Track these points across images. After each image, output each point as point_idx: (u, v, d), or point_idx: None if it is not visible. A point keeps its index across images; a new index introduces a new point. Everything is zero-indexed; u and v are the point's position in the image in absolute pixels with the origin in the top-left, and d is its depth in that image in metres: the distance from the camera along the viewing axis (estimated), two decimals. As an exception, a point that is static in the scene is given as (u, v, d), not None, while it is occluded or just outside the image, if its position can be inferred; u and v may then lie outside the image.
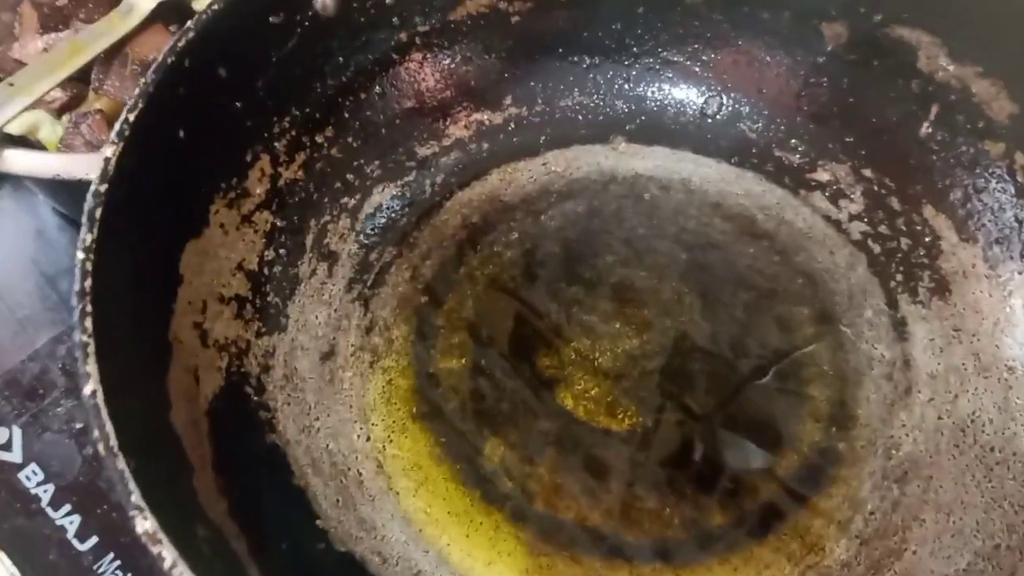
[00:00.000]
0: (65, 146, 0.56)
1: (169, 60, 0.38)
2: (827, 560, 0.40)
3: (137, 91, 0.37)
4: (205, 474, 0.36)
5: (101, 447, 0.29)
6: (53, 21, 0.56)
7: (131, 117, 0.37)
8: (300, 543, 0.38)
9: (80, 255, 0.33)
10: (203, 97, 0.41)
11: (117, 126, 0.37)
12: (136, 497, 0.28)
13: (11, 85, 0.50)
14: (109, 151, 0.36)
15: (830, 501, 0.41)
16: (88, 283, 0.32)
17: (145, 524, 0.27)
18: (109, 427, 0.29)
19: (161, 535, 0.27)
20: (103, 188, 0.35)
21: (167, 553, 0.27)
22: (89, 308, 0.32)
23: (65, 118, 0.56)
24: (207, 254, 0.42)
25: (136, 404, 0.33)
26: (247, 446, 0.40)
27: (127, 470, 0.28)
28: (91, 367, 0.30)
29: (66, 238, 0.60)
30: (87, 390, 0.30)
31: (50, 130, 0.57)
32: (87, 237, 0.33)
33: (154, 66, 0.38)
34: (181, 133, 0.40)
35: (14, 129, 0.54)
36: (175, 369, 0.38)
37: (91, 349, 0.31)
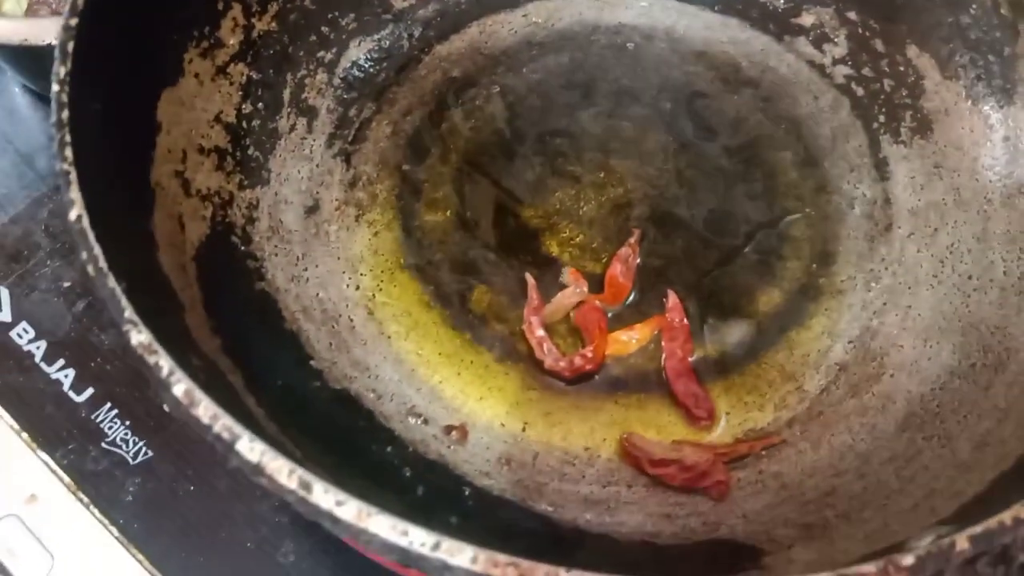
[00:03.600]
0: (31, 16, 0.54)
1: None
2: (806, 385, 0.41)
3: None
4: (196, 313, 0.36)
5: (91, 268, 0.29)
6: None
7: (96, -47, 0.36)
8: (295, 381, 0.39)
9: (55, 87, 0.32)
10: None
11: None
12: (129, 312, 0.28)
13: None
14: (75, -15, 0.34)
15: (809, 332, 0.42)
16: (65, 114, 0.32)
17: (140, 336, 0.27)
18: (97, 249, 0.29)
19: (156, 346, 0.27)
20: (73, 21, 0.34)
21: (163, 362, 0.27)
22: (68, 138, 0.31)
23: (29, -12, 0.54)
24: (183, 104, 0.41)
25: (123, 238, 0.33)
26: (236, 292, 0.40)
27: (117, 288, 0.28)
28: (74, 194, 0.30)
29: (39, 115, 0.59)
30: (72, 215, 0.30)
31: (14, 3, 0.55)
32: (60, 70, 0.33)
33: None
34: (148, -27, 0.39)
35: (-26, 1, 0.52)
36: (159, 214, 0.38)
37: (72, 177, 0.30)
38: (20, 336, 0.44)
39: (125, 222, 0.35)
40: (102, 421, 0.42)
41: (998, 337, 0.40)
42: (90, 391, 0.43)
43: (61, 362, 0.43)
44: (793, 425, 0.40)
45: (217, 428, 0.26)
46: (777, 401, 0.41)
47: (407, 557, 0.24)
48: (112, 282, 0.28)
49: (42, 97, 0.58)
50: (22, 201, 0.52)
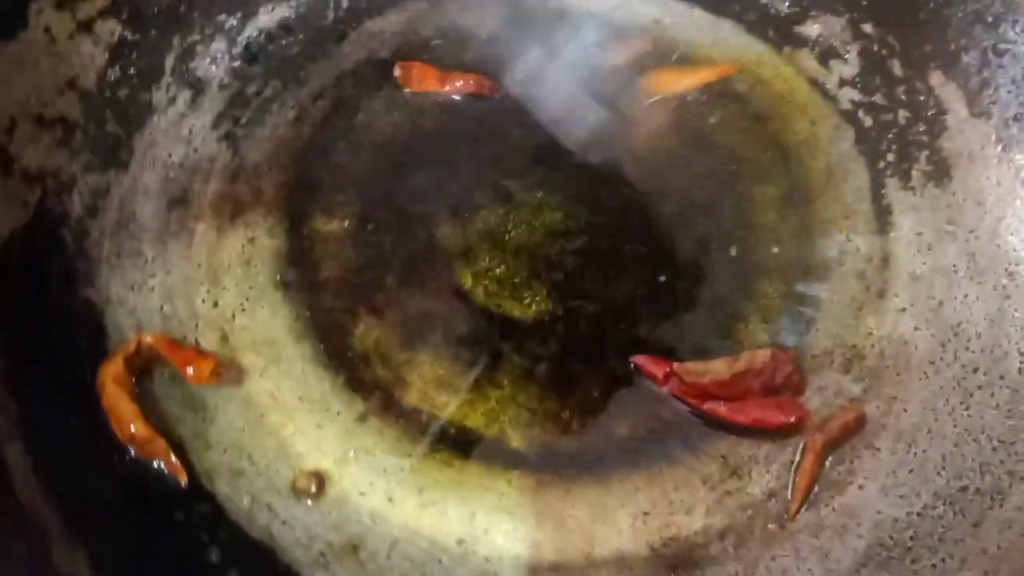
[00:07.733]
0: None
1: None
2: (750, 488, 0.32)
3: None
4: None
5: None
6: None
7: None
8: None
9: None
10: None
11: None
12: None
13: None
14: None
15: (766, 418, 0.34)
16: None
17: None
18: None
19: None
20: None
21: None
22: None
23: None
24: (22, 63, 0.34)
25: None
26: (52, 298, 0.32)
27: None
28: None
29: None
30: None
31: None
32: None
33: None
34: None
35: None
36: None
37: None
38: None
39: None
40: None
41: (1001, 455, 0.31)
42: None
43: None
44: (726, 537, 0.31)
45: None
46: (711, 503, 0.32)
47: None
48: None
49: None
50: None
